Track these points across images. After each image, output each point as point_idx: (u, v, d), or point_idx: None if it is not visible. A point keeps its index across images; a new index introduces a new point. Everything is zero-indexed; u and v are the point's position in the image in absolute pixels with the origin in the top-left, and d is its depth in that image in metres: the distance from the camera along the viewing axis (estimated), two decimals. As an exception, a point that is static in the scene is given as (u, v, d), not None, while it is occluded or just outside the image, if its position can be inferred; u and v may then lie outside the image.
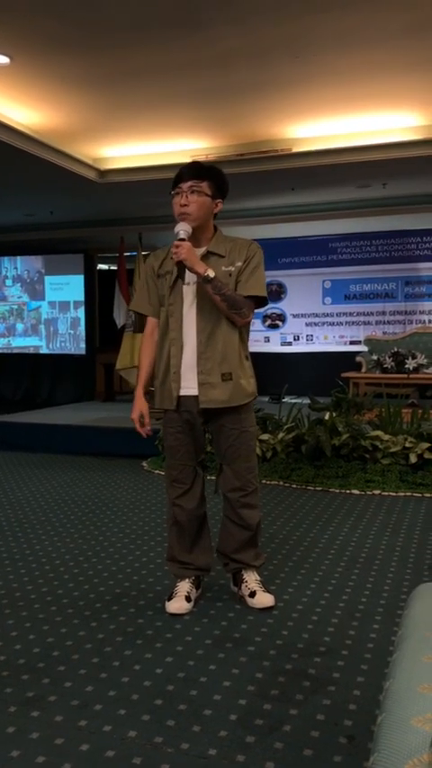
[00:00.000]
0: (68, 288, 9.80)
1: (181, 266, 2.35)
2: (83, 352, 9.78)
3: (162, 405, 2.52)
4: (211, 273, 2.32)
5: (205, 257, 2.41)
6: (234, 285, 2.41)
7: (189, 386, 2.44)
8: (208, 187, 2.39)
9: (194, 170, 2.41)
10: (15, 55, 4.18)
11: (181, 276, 2.39)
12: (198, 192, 2.37)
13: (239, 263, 2.43)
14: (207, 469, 2.70)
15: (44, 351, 10.05)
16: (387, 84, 4.71)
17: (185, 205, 2.37)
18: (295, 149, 5.83)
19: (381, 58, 4.26)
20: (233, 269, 2.42)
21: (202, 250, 2.43)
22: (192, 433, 2.51)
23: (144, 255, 8.57)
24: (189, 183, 2.37)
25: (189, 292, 2.43)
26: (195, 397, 2.43)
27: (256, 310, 2.54)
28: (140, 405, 2.57)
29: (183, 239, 2.33)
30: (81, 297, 9.73)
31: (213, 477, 2.72)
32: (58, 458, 5.84)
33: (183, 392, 2.45)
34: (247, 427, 2.53)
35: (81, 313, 9.75)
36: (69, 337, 9.87)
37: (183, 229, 2.35)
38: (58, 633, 2.35)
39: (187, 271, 2.36)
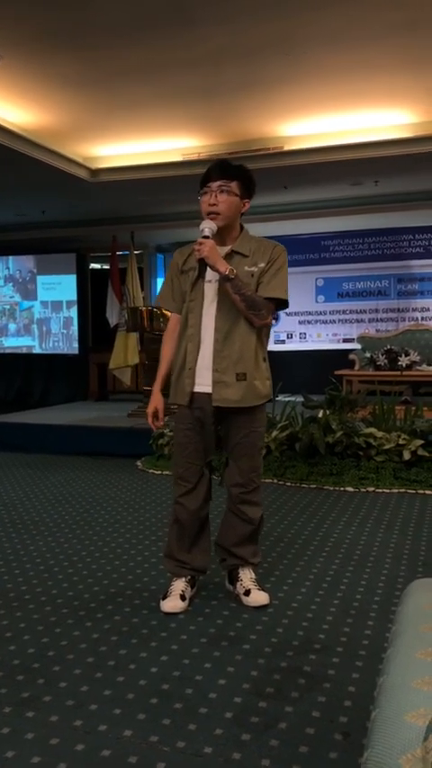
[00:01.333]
0: (61, 287, 9.78)
1: (202, 263, 2.36)
2: (76, 351, 9.76)
3: (175, 399, 2.52)
4: (231, 272, 2.33)
5: (229, 256, 2.41)
6: (256, 286, 2.41)
7: (203, 383, 2.44)
8: (237, 187, 2.40)
9: (223, 169, 2.41)
10: (6, 54, 4.17)
11: (202, 273, 2.40)
12: (227, 191, 2.38)
13: (262, 265, 2.43)
14: (215, 471, 2.69)
15: (37, 350, 10.02)
16: (378, 82, 4.72)
17: (214, 204, 2.38)
18: (287, 147, 5.84)
19: (371, 55, 4.27)
20: (256, 269, 2.42)
21: (227, 249, 2.43)
22: (202, 431, 2.51)
23: (136, 254, 8.60)
24: (218, 183, 2.38)
25: (210, 290, 2.44)
26: (209, 394, 2.43)
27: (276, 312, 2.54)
28: (157, 400, 2.58)
29: (206, 237, 2.34)
30: (74, 296, 9.71)
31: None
32: (52, 458, 5.82)
33: (197, 389, 2.45)
34: (257, 428, 2.53)
35: (74, 312, 9.73)
36: (62, 337, 9.84)
37: (207, 227, 2.36)
38: (53, 633, 2.34)
39: (209, 268, 2.37)
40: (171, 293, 2.57)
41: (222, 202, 2.38)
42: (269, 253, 2.44)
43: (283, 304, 2.50)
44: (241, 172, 2.43)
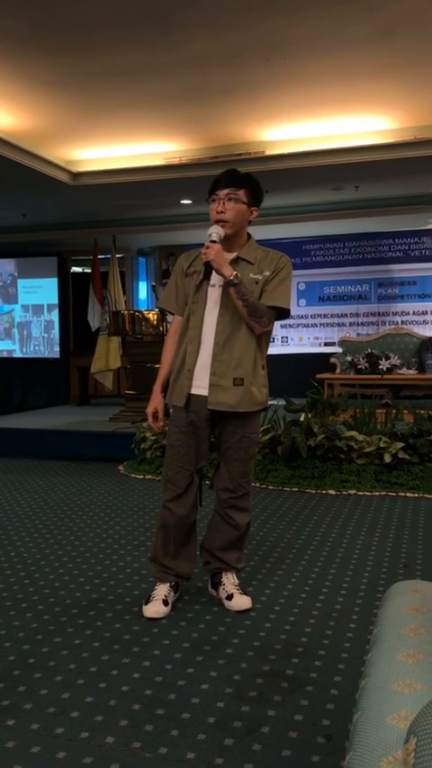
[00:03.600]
0: (42, 291, 9.71)
1: (208, 267, 2.39)
2: (57, 355, 9.69)
3: (172, 400, 2.53)
4: (236, 277, 2.35)
5: (234, 262, 2.44)
6: (259, 294, 2.43)
7: (200, 385, 2.45)
8: (245, 195, 2.43)
9: (232, 178, 2.44)
10: (-15, 56, 4.13)
11: (207, 276, 2.43)
12: (235, 199, 2.41)
13: (267, 273, 2.45)
14: (205, 478, 2.69)
15: (17, 354, 9.93)
16: (358, 88, 4.76)
17: (222, 212, 2.41)
18: (268, 152, 5.87)
19: (352, 62, 4.31)
20: (260, 277, 2.45)
21: (233, 255, 2.46)
22: (195, 435, 2.50)
23: (118, 258, 8.58)
24: (226, 191, 2.41)
25: (213, 294, 2.46)
26: (205, 397, 2.44)
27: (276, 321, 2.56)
28: (156, 400, 2.59)
29: (214, 241, 2.36)
30: (55, 300, 9.65)
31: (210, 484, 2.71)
32: (33, 462, 5.78)
33: (194, 391, 2.46)
34: (249, 434, 2.54)
35: (55, 316, 9.67)
36: (43, 341, 9.77)
37: (215, 232, 2.39)
38: (34, 640, 2.32)
39: (214, 272, 2.39)
40: (174, 295, 2.59)
41: (230, 210, 2.41)
42: (275, 262, 2.48)
43: (284, 313, 2.52)
44: (249, 180, 2.47)
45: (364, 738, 0.93)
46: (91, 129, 5.56)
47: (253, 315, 2.39)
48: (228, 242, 2.44)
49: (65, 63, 4.28)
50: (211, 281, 2.45)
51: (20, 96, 4.80)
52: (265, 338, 2.53)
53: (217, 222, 2.42)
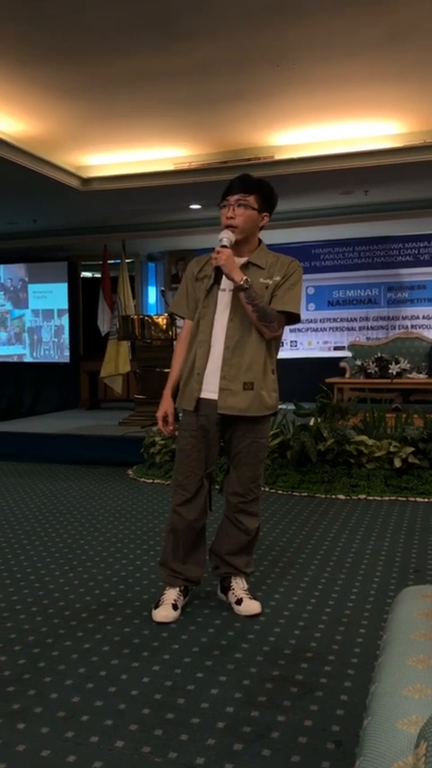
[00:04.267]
0: (52, 296, 9.76)
1: (218, 271, 2.40)
2: (67, 360, 9.73)
3: (181, 404, 2.54)
4: (246, 282, 2.36)
5: (245, 267, 2.45)
6: (269, 299, 2.44)
7: (210, 389, 2.45)
8: (255, 200, 2.43)
9: (243, 183, 2.45)
10: (-3, 63, 4.18)
11: (217, 281, 2.44)
12: (245, 205, 2.42)
13: (278, 278, 2.46)
14: (215, 483, 2.69)
15: (28, 359, 9.98)
16: (367, 93, 4.76)
17: (232, 217, 2.42)
18: (278, 157, 5.88)
19: (361, 66, 4.32)
20: (270, 282, 2.45)
21: (243, 260, 2.47)
22: (205, 440, 2.50)
23: (127, 263, 8.61)
24: (236, 197, 2.42)
25: (223, 298, 2.47)
26: (215, 401, 2.44)
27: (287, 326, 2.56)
28: (167, 404, 2.59)
29: (224, 246, 2.38)
30: (65, 305, 9.70)
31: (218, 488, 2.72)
32: (43, 467, 5.80)
33: (203, 395, 2.46)
34: (259, 438, 2.54)
35: (65, 321, 9.71)
36: (53, 345, 9.82)
37: (226, 236, 2.40)
38: (44, 644, 2.33)
39: (224, 277, 2.40)
40: (185, 300, 2.60)
41: (240, 215, 2.42)
42: (285, 267, 2.48)
43: (294, 318, 2.52)
44: (260, 186, 2.47)
45: (374, 743, 0.93)
46: (101, 135, 5.59)
47: (263, 319, 2.40)
48: (238, 247, 2.45)
49: (75, 70, 4.31)
50: (222, 286, 2.46)
51: (31, 103, 4.84)
52: (275, 343, 2.53)
53: (227, 227, 2.43)
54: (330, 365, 8.04)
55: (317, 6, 3.53)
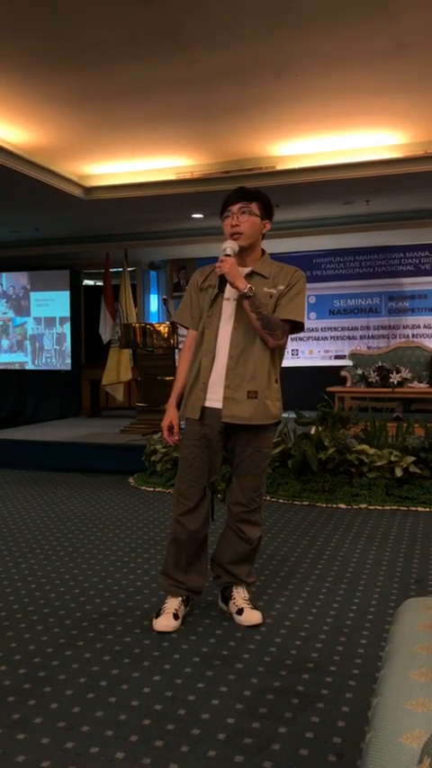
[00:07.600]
0: (54, 304, 9.78)
1: (223, 280, 2.41)
2: (68, 367, 9.74)
3: (186, 413, 2.54)
4: (250, 290, 2.37)
5: (249, 276, 2.46)
6: (273, 308, 2.45)
7: (214, 398, 2.46)
8: (257, 208, 2.46)
9: (242, 193, 2.48)
10: (0, 73, 4.20)
11: (221, 289, 2.45)
12: (248, 212, 2.45)
13: (282, 287, 2.47)
14: (217, 492, 2.68)
15: (30, 367, 9.99)
16: (369, 103, 4.79)
17: (237, 225, 2.44)
18: (279, 167, 5.90)
19: (363, 77, 4.34)
20: (275, 291, 2.46)
21: (247, 270, 2.48)
22: (207, 449, 2.51)
23: (129, 271, 8.63)
24: (239, 205, 2.45)
25: (228, 307, 2.48)
26: (219, 410, 2.45)
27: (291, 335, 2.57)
28: (172, 414, 2.60)
29: (228, 255, 2.39)
30: (67, 313, 9.71)
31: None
32: (44, 474, 5.80)
33: (207, 404, 2.47)
34: (262, 448, 2.54)
35: (67, 329, 9.72)
36: (55, 353, 9.83)
37: (229, 246, 2.42)
38: (45, 653, 2.32)
39: (228, 286, 2.41)
40: (189, 310, 2.61)
41: (244, 222, 2.44)
42: (289, 277, 2.49)
43: (298, 327, 2.53)
44: (259, 194, 2.50)
45: (377, 758, 0.92)
46: (104, 144, 5.62)
47: (267, 328, 2.40)
48: (242, 256, 2.47)
49: (79, 80, 4.34)
50: (226, 295, 2.47)
51: (34, 113, 4.87)
52: (278, 352, 2.54)
53: (232, 236, 2.45)
54: (331, 374, 8.05)
55: (318, 18, 3.56)
